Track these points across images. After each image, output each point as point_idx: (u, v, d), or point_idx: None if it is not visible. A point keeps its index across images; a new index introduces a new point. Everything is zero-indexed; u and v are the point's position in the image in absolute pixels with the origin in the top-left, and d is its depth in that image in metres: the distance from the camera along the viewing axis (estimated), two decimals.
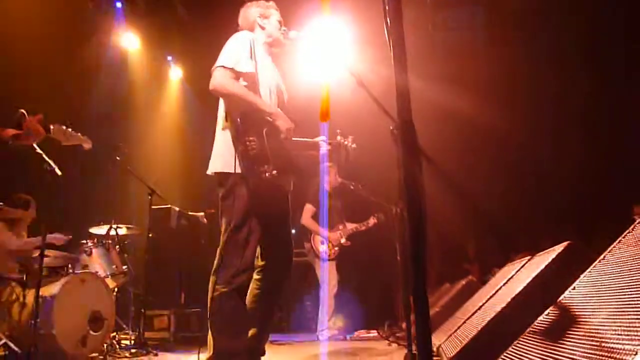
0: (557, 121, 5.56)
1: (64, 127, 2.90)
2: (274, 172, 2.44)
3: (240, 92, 2.54)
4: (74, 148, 3.02)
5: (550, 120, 5.63)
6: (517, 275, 2.55)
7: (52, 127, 2.82)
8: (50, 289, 3.79)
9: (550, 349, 1.30)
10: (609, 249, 1.60)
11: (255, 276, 2.68)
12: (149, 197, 4.72)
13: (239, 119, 2.50)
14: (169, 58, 7.77)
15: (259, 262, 2.69)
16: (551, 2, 5.58)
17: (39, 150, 3.23)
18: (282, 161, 2.53)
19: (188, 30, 6.91)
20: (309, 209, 5.67)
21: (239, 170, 2.51)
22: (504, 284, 2.61)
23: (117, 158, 4.50)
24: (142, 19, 6.77)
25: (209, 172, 2.67)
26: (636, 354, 0.94)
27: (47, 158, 3.43)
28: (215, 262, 2.54)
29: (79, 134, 3.02)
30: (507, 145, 5.54)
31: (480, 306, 2.64)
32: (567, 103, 5.52)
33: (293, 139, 2.68)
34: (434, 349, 2.58)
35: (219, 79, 2.53)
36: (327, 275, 5.52)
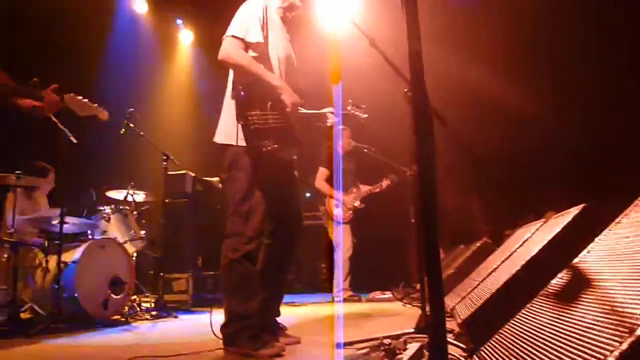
0: (572, 79, 5.43)
1: (79, 98, 2.91)
2: (275, 146, 2.46)
3: (246, 64, 2.54)
4: (89, 118, 3.03)
5: (565, 79, 5.50)
6: (532, 238, 2.55)
7: (65, 96, 2.83)
8: (71, 255, 3.90)
9: (562, 312, 1.31)
10: (625, 212, 1.59)
11: (266, 241, 2.75)
12: (164, 163, 4.77)
13: (242, 92, 2.50)
14: (179, 21, 7.68)
15: (270, 227, 2.74)
16: None
17: (54, 119, 3.26)
18: (284, 136, 2.54)
19: None
20: (322, 172, 5.71)
21: (241, 143, 2.54)
22: (519, 247, 2.62)
23: (130, 124, 4.53)
24: None
25: (215, 139, 2.70)
26: None
27: (62, 126, 3.47)
28: (225, 230, 2.60)
29: (95, 105, 3.02)
30: (517, 104, 5.45)
31: (495, 269, 2.66)
32: (584, 59, 5.37)
33: (300, 110, 2.67)
34: (448, 311, 2.63)
35: (227, 48, 2.55)
36: (342, 238, 5.59)
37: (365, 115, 2.97)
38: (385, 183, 5.77)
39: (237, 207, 2.57)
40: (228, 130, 2.61)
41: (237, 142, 2.55)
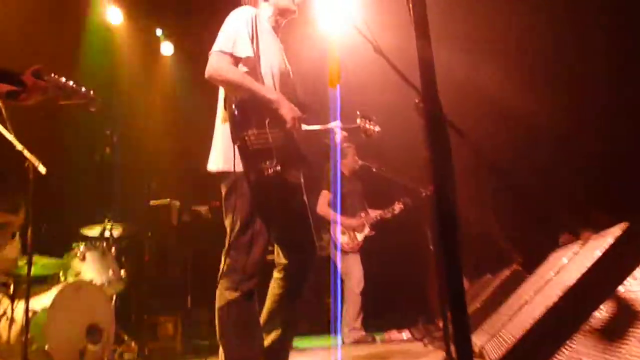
0: (595, 82, 5.48)
1: (62, 80, 2.66)
2: (278, 167, 2.48)
3: (238, 79, 2.59)
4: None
5: (589, 82, 5.55)
6: (569, 264, 2.53)
7: (46, 78, 2.56)
8: (41, 300, 3.88)
9: (608, 350, 1.29)
10: None
11: (276, 274, 2.76)
12: (146, 192, 4.78)
13: (235, 110, 2.53)
14: (159, 32, 7.77)
15: (280, 260, 2.76)
16: None
17: (19, 147, 3.26)
18: (287, 154, 2.57)
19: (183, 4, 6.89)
20: (325, 195, 5.69)
21: (239, 168, 2.55)
22: (554, 275, 2.60)
23: (107, 149, 4.55)
24: None
25: (209, 169, 2.72)
26: None
27: (28, 154, 3.48)
28: (221, 266, 2.60)
29: (82, 88, 2.73)
30: (543, 114, 5.48)
31: (528, 301, 2.64)
32: (619, 73, 5.42)
33: (302, 127, 2.69)
34: (476, 351, 2.60)
35: (215, 65, 2.60)
36: (351, 270, 5.56)
37: (378, 129, 3.00)
38: (397, 207, 5.76)
39: (236, 239, 2.57)
40: (223, 155, 2.63)
41: (234, 168, 2.55)
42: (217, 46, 2.63)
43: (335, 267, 5.68)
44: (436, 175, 1.34)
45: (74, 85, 2.69)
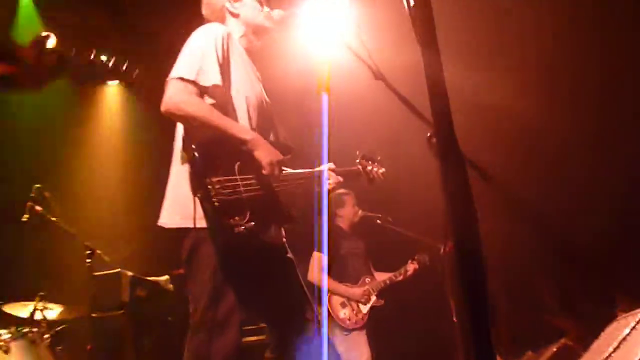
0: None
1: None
2: (251, 224, 2.47)
3: (202, 115, 2.59)
4: None
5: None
6: (632, 335, 2.54)
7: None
8: None
9: None
10: None
11: (268, 355, 2.78)
12: (88, 260, 4.75)
13: (195, 152, 2.52)
14: (102, 58, 7.84)
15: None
16: None
17: None
18: (264, 207, 2.58)
19: (128, 19, 6.99)
20: (317, 258, 5.63)
21: (201, 224, 2.54)
22: (614, 350, 2.60)
23: (36, 207, 4.55)
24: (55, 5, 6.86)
25: (161, 223, 2.71)
26: None
27: None
28: (185, 352, 2.56)
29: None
30: (594, 148, 5.56)
31: None
32: None
33: (284, 171, 2.72)
34: None
35: (173, 96, 2.60)
36: (355, 352, 5.49)
37: (383, 171, 3.03)
38: (411, 267, 5.73)
39: (201, 318, 2.54)
40: (180, 207, 2.62)
41: (195, 224, 2.54)
42: (176, 72, 2.63)
43: (333, 350, 5.62)
44: (456, 227, 1.35)
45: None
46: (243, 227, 2.46)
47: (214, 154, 2.56)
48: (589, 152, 5.64)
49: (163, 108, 2.59)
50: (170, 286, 5.72)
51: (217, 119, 2.59)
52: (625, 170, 5.58)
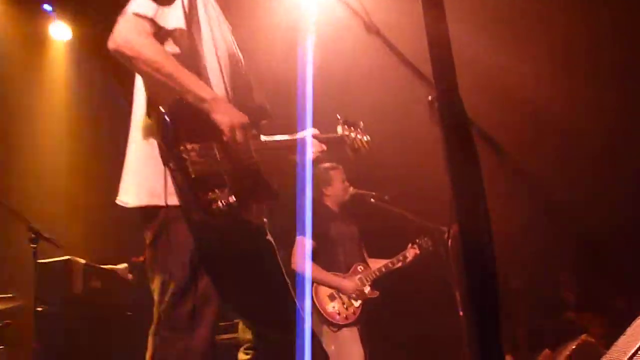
0: None
1: None
2: (232, 199, 2.44)
3: (156, 59, 2.50)
4: None
5: None
6: None
7: None
8: None
9: None
10: None
11: (243, 356, 2.79)
12: (33, 245, 4.75)
13: (165, 115, 2.46)
14: (48, 8, 7.76)
15: (246, 335, 2.81)
16: None
17: None
18: (245, 180, 2.56)
19: None
20: (302, 244, 5.62)
21: (173, 202, 2.49)
22: (638, 349, 2.66)
23: None
24: None
25: (120, 201, 2.67)
26: None
27: None
28: (147, 356, 2.57)
29: None
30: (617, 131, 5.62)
31: None
32: None
33: (262, 138, 2.72)
34: None
35: (125, 32, 2.51)
36: (346, 351, 5.53)
37: (367, 139, 3.02)
38: (411, 253, 5.75)
39: (170, 312, 2.54)
40: (148, 183, 2.58)
41: (165, 201, 2.50)
42: (131, 7, 2.53)
43: (320, 349, 5.65)
44: (461, 209, 1.36)
45: None
46: (223, 203, 2.41)
47: (187, 117, 2.50)
48: (609, 134, 5.70)
49: (111, 45, 2.50)
50: (130, 275, 5.73)
51: (174, 68, 2.51)
52: None
